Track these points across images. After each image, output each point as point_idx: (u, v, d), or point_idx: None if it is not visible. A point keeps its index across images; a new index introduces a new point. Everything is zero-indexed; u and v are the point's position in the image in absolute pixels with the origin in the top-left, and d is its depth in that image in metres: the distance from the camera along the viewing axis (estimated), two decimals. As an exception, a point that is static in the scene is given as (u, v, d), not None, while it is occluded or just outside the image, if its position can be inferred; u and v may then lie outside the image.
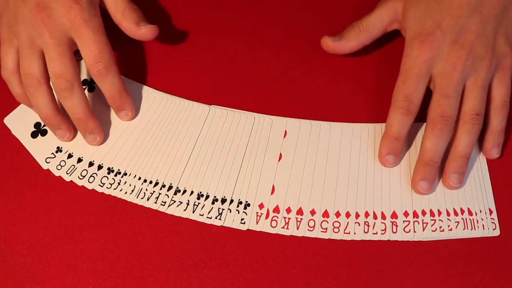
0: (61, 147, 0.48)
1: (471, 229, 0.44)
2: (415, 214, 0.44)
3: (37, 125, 0.49)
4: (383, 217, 0.44)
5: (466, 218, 0.44)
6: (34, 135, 0.49)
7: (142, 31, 0.49)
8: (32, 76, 0.45)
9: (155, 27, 0.49)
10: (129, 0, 0.50)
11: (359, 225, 0.44)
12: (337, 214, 0.44)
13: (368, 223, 0.44)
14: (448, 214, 0.45)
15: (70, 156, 0.47)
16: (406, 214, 0.44)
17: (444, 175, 0.46)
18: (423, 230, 0.44)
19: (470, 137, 0.45)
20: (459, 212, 0.45)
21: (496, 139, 0.47)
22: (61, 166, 0.47)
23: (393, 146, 0.46)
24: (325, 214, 0.44)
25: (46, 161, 0.47)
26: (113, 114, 0.49)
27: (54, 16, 0.45)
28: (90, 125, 0.47)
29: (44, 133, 0.49)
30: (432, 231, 0.44)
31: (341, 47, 0.50)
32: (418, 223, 0.44)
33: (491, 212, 0.45)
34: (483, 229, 0.44)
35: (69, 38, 0.46)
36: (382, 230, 0.44)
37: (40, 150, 0.48)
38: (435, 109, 0.45)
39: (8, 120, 0.50)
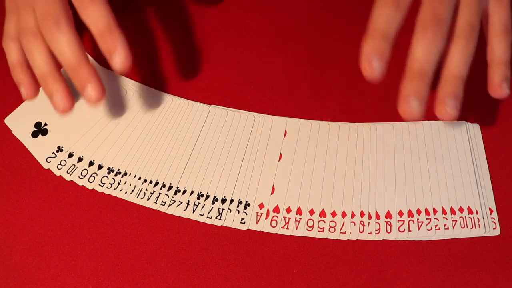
0: (62, 147, 0.48)
1: (471, 228, 0.44)
2: (409, 213, 0.44)
3: (37, 124, 0.49)
4: (377, 217, 0.44)
5: (465, 217, 0.44)
6: (34, 134, 0.49)
7: None
8: (27, 29, 0.42)
9: None
10: None
11: (355, 224, 0.44)
12: (333, 214, 0.44)
13: (363, 222, 0.44)
14: (445, 212, 0.45)
15: (70, 155, 0.48)
16: (400, 213, 0.44)
17: (438, 100, 0.39)
18: (418, 229, 0.44)
19: (464, 54, 0.39)
20: (457, 210, 0.45)
21: (504, 71, 0.41)
22: (62, 166, 0.47)
23: (380, 45, 0.38)
24: (322, 213, 0.44)
25: (47, 161, 0.47)
26: (113, 114, 0.49)
27: None
28: (84, 72, 0.40)
29: (44, 132, 0.49)
30: (428, 230, 0.44)
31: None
32: (413, 222, 0.44)
33: (491, 211, 0.45)
34: (484, 227, 0.44)
35: None
36: (376, 230, 0.44)
37: (41, 149, 0.48)
38: (426, 10, 0.39)
39: (9, 120, 0.50)
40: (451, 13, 0.39)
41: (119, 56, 0.39)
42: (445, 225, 0.44)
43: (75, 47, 0.40)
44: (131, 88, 0.50)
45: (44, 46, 0.41)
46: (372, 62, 0.38)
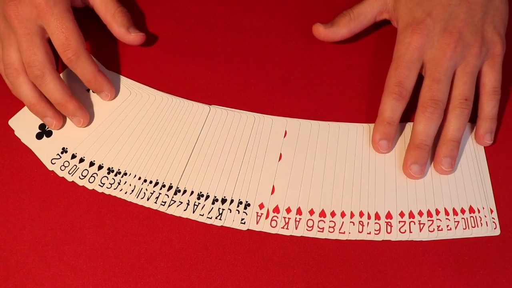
0: (66, 148, 0.48)
1: (473, 227, 0.44)
2: (411, 215, 0.44)
3: (41, 126, 0.49)
4: (377, 217, 0.44)
5: (467, 218, 0.44)
6: (39, 136, 0.49)
7: (132, 37, 0.51)
8: (11, 66, 0.47)
9: (143, 34, 0.52)
10: (119, 3, 0.51)
11: (354, 224, 0.44)
12: (332, 214, 0.44)
13: (362, 222, 0.44)
14: (447, 213, 0.45)
15: (73, 156, 0.48)
16: (401, 214, 0.44)
17: (436, 159, 0.46)
18: (420, 231, 0.44)
19: (460, 121, 0.46)
20: (459, 211, 0.45)
21: (489, 125, 0.48)
22: (65, 167, 0.47)
23: (387, 131, 0.47)
24: (322, 214, 0.44)
25: (51, 162, 0.47)
26: (114, 115, 0.49)
27: (22, 4, 0.46)
28: (70, 108, 0.47)
29: (49, 134, 0.49)
30: (430, 231, 0.44)
31: (332, 34, 0.52)
32: (414, 223, 0.44)
33: (491, 211, 0.45)
34: (486, 226, 0.44)
35: (38, 26, 0.47)
36: (376, 230, 0.44)
37: (46, 151, 0.48)
38: (425, 93, 0.46)
39: (13, 122, 0.50)
40: (446, 93, 0.46)
41: (104, 93, 0.50)
42: (447, 225, 0.44)
43: (59, 90, 0.47)
44: (131, 88, 0.50)
45: (26, 80, 0.47)
46: (381, 144, 0.47)
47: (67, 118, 0.49)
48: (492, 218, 0.45)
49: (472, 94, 0.47)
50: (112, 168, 0.47)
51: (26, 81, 0.47)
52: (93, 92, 0.50)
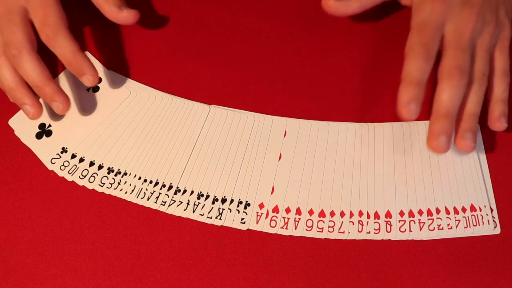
0: (66, 148, 0.48)
1: (474, 226, 0.44)
2: (410, 214, 0.44)
3: (41, 126, 0.49)
4: (377, 216, 0.44)
5: (468, 216, 0.44)
6: (39, 136, 0.49)
7: (124, 15, 0.48)
8: None
9: (136, 11, 0.49)
10: None
11: (353, 224, 0.44)
12: (332, 214, 0.44)
13: (361, 222, 0.44)
14: (448, 212, 0.45)
15: (73, 156, 0.48)
16: (401, 213, 0.44)
17: (459, 135, 0.44)
18: (420, 230, 0.44)
19: (477, 97, 0.45)
20: (460, 210, 0.45)
21: (502, 108, 0.46)
22: (65, 167, 0.47)
23: (416, 92, 0.42)
24: (321, 213, 0.44)
25: (51, 162, 0.47)
26: (114, 115, 0.49)
27: None
28: (48, 91, 0.45)
29: (49, 134, 0.49)
30: (430, 230, 0.44)
31: (343, 7, 0.49)
32: (414, 222, 0.44)
33: (491, 210, 0.45)
34: (488, 224, 0.44)
35: (21, 6, 0.45)
36: (376, 230, 0.44)
37: (45, 151, 0.48)
38: (450, 62, 0.43)
39: (13, 122, 0.50)
40: (470, 64, 0.44)
41: (86, 77, 0.46)
42: (448, 224, 0.44)
43: (37, 70, 0.45)
44: (131, 87, 0.50)
45: (6, 64, 0.45)
46: (411, 107, 0.42)
47: (58, 112, 0.47)
48: (493, 217, 0.45)
49: (488, 71, 0.46)
50: (112, 168, 0.47)
51: (5, 64, 0.45)
52: (75, 76, 0.47)
